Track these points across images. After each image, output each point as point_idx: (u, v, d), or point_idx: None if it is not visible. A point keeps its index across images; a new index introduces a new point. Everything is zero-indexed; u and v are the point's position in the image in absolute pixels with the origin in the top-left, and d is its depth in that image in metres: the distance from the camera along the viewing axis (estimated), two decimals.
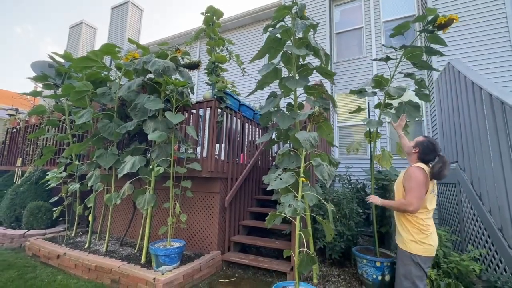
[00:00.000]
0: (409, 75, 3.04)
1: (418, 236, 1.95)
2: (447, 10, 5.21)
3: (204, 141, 3.84)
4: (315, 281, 3.05)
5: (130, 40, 4.11)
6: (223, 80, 3.90)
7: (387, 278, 2.92)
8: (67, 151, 3.85)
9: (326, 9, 6.83)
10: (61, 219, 4.75)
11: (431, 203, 2.03)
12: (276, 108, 3.04)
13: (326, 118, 2.73)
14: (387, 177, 3.89)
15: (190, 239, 3.74)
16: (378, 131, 3.33)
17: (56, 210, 4.04)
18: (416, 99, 3.19)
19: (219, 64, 3.91)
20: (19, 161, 6.08)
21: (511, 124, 2.50)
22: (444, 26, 2.59)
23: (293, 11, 2.79)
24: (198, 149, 3.95)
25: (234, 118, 4.19)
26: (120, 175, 3.06)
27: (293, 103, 3.05)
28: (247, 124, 4.68)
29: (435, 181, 2.09)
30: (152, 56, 3.33)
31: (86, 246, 3.69)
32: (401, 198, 2.05)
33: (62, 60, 4.48)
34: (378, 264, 2.92)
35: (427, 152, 2.09)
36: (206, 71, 3.94)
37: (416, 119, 3.04)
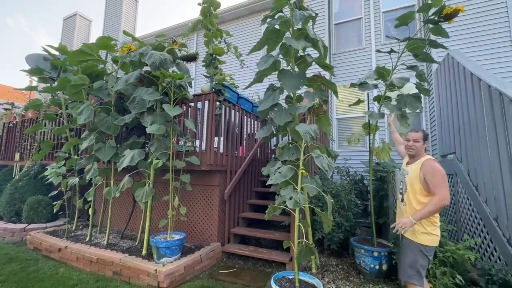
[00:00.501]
0: (412, 68, 3.03)
1: (430, 228, 1.99)
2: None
3: (203, 134, 3.83)
4: (313, 271, 3.10)
5: (125, 33, 4.04)
6: (221, 72, 3.87)
7: (384, 267, 2.99)
8: (66, 145, 3.84)
9: None
10: (61, 213, 4.76)
11: None
12: (275, 102, 3.03)
13: (325, 110, 2.73)
14: (385, 168, 3.92)
15: (191, 231, 3.78)
16: (377, 123, 3.34)
17: (56, 204, 4.05)
18: (415, 91, 3.18)
19: (217, 56, 3.87)
20: (17, 155, 6.05)
21: (509, 115, 2.51)
22: (450, 17, 2.56)
23: (291, 1, 2.75)
24: (197, 143, 3.95)
25: (233, 111, 4.17)
26: (119, 169, 3.07)
27: (291, 95, 3.03)
28: (245, 117, 4.67)
29: None
30: (149, 48, 3.28)
31: (87, 239, 3.72)
32: (432, 198, 1.94)
33: (57, 53, 4.40)
34: (375, 253, 2.98)
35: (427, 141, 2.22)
36: (204, 64, 3.89)
37: (418, 110, 3.04)
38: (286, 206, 2.36)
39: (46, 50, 4.28)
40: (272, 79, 3.43)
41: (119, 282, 2.84)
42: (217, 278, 2.96)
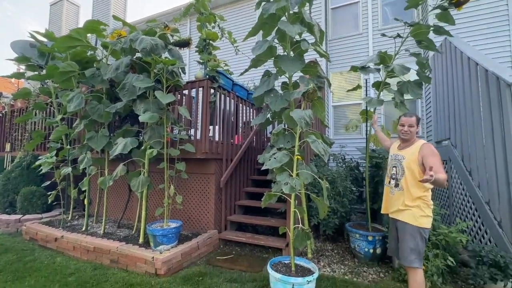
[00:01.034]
0: (416, 55, 2.98)
1: (427, 210, 2.02)
2: None
3: (198, 123, 3.78)
4: (309, 255, 3.16)
5: (115, 17, 3.89)
6: (215, 58, 3.77)
7: (378, 251, 3.05)
8: (55, 132, 3.74)
9: None
10: (55, 203, 4.73)
11: None
12: (270, 88, 2.97)
13: (320, 96, 2.69)
14: (380, 155, 3.94)
15: (187, 219, 3.80)
16: (375, 110, 3.32)
17: (50, 194, 4.01)
18: (414, 77, 3.15)
19: (210, 41, 3.75)
20: (7, 146, 5.93)
21: (505, 99, 2.50)
22: (461, 3, 2.51)
23: None
24: (192, 131, 3.89)
25: (228, 98, 4.11)
26: (112, 156, 3.03)
27: (288, 81, 2.98)
28: (241, 104, 4.61)
29: None
30: (139, 34, 3.16)
31: (83, 229, 3.72)
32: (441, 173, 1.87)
33: (44, 40, 4.23)
34: (370, 238, 3.03)
35: None
36: (197, 50, 3.78)
37: (420, 98, 3.04)
38: (282, 193, 2.36)
39: (33, 36, 4.11)
40: (268, 66, 3.37)
41: (117, 270, 2.86)
42: (215, 264, 3.00)
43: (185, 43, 3.67)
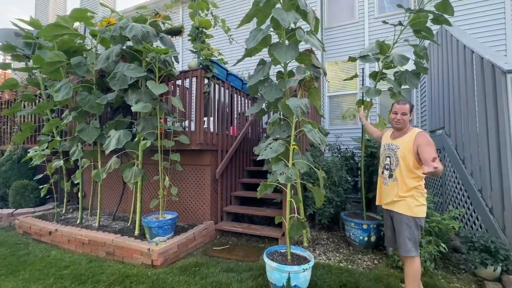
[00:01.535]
0: (414, 46, 2.94)
1: (421, 199, 1.99)
2: None
3: (192, 113, 3.72)
4: (305, 244, 3.19)
5: (102, 4, 3.74)
6: (208, 47, 3.67)
7: (372, 238, 3.10)
8: (47, 126, 3.65)
9: None
10: (49, 197, 4.67)
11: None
12: (265, 77, 2.92)
13: (316, 86, 2.66)
14: (376, 144, 3.95)
15: (183, 211, 3.79)
16: (371, 100, 3.30)
17: (43, 188, 3.94)
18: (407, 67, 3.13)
19: (203, 29, 3.64)
20: None
21: (499, 87, 2.50)
22: None
23: None
24: (187, 123, 3.83)
25: (222, 88, 4.03)
26: (107, 152, 2.95)
27: (283, 71, 2.92)
28: (235, 94, 4.54)
29: None
30: (129, 21, 3.05)
31: (78, 222, 3.68)
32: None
33: (30, 28, 4.06)
34: (365, 226, 3.07)
35: None
36: (190, 38, 3.67)
37: (415, 87, 3.02)
38: (278, 183, 2.35)
39: (16, 25, 3.93)
40: (263, 55, 3.30)
41: (113, 262, 2.85)
42: (211, 255, 3.01)
43: (177, 31, 3.57)
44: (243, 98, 4.81)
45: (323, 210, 3.48)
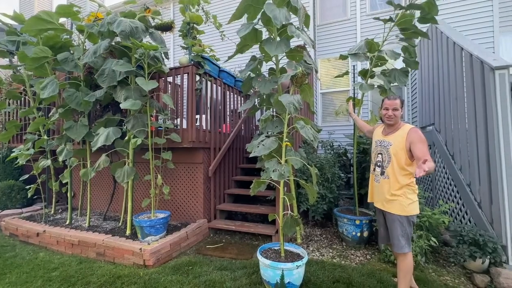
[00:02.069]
0: (407, 40, 2.96)
1: (413, 196, 1.96)
2: None
3: (183, 111, 3.66)
4: (299, 241, 3.20)
5: None
6: (200, 43, 3.61)
7: (365, 234, 3.13)
8: (32, 124, 3.54)
9: None
10: (36, 197, 4.55)
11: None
12: (258, 73, 2.89)
13: (308, 82, 2.65)
14: (368, 141, 3.98)
15: (176, 209, 3.74)
16: (359, 97, 3.32)
17: (30, 188, 3.83)
18: (396, 66, 3.16)
19: (194, 25, 3.58)
20: None
21: (488, 83, 2.54)
22: None
23: None
24: (179, 121, 3.77)
25: (214, 85, 3.98)
26: (94, 149, 2.88)
27: (275, 67, 2.90)
28: (228, 92, 4.49)
29: None
30: (117, 16, 2.96)
31: (67, 223, 3.59)
32: (429, 160, 1.74)
33: (13, 23, 3.91)
34: (357, 222, 3.09)
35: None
36: (181, 34, 3.60)
37: (404, 85, 3.05)
38: (271, 180, 2.34)
39: None
40: (254, 52, 3.27)
41: (104, 262, 2.79)
42: (204, 253, 2.98)
43: (167, 27, 3.49)
44: (236, 95, 4.77)
45: (316, 206, 3.49)
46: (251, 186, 2.40)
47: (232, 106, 4.72)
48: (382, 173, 2.08)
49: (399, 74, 2.98)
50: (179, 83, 3.76)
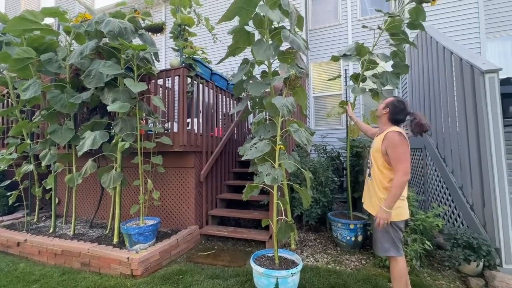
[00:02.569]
0: (396, 45, 2.98)
1: (397, 202, 1.86)
2: None
3: (175, 114, 3.57)
4: (293, 246, 3.13)
5: (78, 0, 3.53)
6: (191, 45, 3.55)
7: (359, 238, 3.09)
8: (14, 128, 3.38)
9: None
10: (18, 204, 4.33)
11: None
12: (250, 75, 2.85)
13: (301, 85, 2.62)
14: (361, 144, 3.98)
15: (166, 216, 3.62)
16: (352, 101, 3.32)
17: (11, 195, 3.64)
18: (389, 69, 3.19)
19: (186, 27, 3.52)
20: None
21: (478, 86, 2.57)
22: None
23: None
24: (170, 124, 3.68)
25: (206, 88, 3.92)
26: (80, 153, 2.75)
27: (267, 70, 2.87)
28: (220, 95, 4.43)
29: None
30: (106, 16, 2.87)
31: (50, 231, 3.42)
32: (395, 178, 1.82)
33: None
34: (352, 226, 3.05)
35: (398, 111, 1.96)
36: (172, 36, 3.53)
37: (396, 88, 3.06)
38: (264, 184, 2.27)
39: None
40: (247, 55, 3.23)
41: (88, 273, 2.65)
42: (196, 261, 2.88)
43: (158, 29, 3.42)
44: (228, 99, 4.71)
45: (310, 211, 3.44)
46: (243, 191, 2.33)
47: (224, 109, 4.66)
48: (369, 174, 2.09)
49: (390, 76, 3.00)
50: (170, 86, 3.68)
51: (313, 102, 6.61)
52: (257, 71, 3.73)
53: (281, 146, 2.24)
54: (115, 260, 2.60)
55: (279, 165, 2.28)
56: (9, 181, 3.72)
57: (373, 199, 2.01)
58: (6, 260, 3.01)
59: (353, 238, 3.07)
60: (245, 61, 2.87)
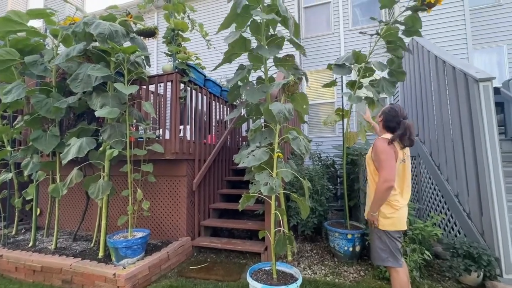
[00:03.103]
0: (394, 52, 2.99)
1: (388, 211, 1.86)
2: None
3: (167, 121, 3.46)
4: (289, 258, 3.02)
5: (65, 0, 3.41)
6: (185, 50, 3.47)
7: (357, 248, 3.01)
8: None
9: None
10: None
11: (398, 174, 1.90)
12: (246, 81, 2.79)
13: (301, 91, 2.57)
14: (356, 152, 3.95)
15: (156, 227, 3.45)
16: (351, 107, 3.30)
17: None
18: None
19: (179, 32, 3.44)
20: None
21: (472, 94, 2.59)
22: (432, 5, 2.54)
23: None
24: (161, 131, 3.56)
25: (200, 94, 3.83)
26: (64, 162, 2.58)
27: (263, 76, 2.81)
28: (214, 101, 4.35)
29: (404, 150, 1.96)
30: (96, 18, 2.77)
31: (30, 245, 3.18)
32: (375, 184, 1.90)
33: None
34: (349, 236, 2.98)
35: (390, 119, 1.97)
36: (165, 40, 3.45)
37: (391, 95, 3.06)
38: (261, 193, 2.18)
39: None
40: (242, 61, 3.18)
41: None
42: (187, 276, 2.72)
43: (150, 33, 3.34)
44: (222, 106, 4.63)
45: (307, 220, 3.35)
46: (240, 201, 2.22)
47: (218, 116, 4.57)
48: (366, 180, 2.16)
49: (387, 84, 3.00)
50: (162, 93, 3.57)
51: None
52: (251, 77, 3.69)
53: (279, 154, 2.16)
54: (100, 277, 2.41)
55: (277, 173, 2.20)
56: None
57: (368, 204, 2.05)
58: None
59: (350, 248, 2.99)
60: (241, 67, 2.82)
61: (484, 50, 5.56)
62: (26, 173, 3.03)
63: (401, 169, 1.93)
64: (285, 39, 2.64)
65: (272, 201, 2.20)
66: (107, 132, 2.67)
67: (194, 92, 3.65)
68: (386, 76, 3.15)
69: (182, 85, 3.41)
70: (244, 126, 5.24)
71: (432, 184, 3.64)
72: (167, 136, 3.38)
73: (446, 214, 3.22)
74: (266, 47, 2.65)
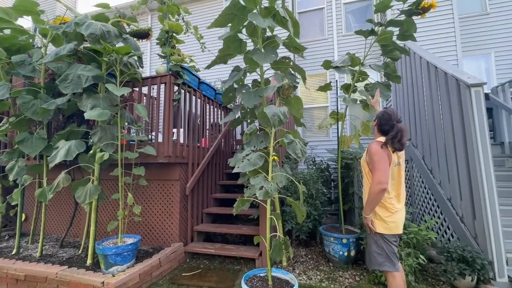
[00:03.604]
0: (389, 52, 3.02)
1: (384, 214, 1.86)
2: None
3: (160, 123, 3.39)
4: (284, 264, 2.97)
5: (58, 0, 3.33)
6: (179, 52, 3.42)
7: (352, 253, 2.99)
8: None
9: None
10: None
11: (393, 177, 1.91)
12: (241, 84, 2.76)
13: (295, 94, 2.56)
14: (350, 155, 3.96)
15: (148, 232, 3.35)
16: (346, 110, 3.32)
17: None
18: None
19: (174, 34, 3.40)
20: None
21: (464, 99, 2.63)
22: (426, 10, 2.58)
23: None
24: (154, 134, 3.48)
25: (194, 97, 3.78)
26: (51, 165, 2.49)
27: (259, 79, 2.79)
28: (208, 104, 4.30)
29: (399, 153, 1.97)
30: (88, 18, 2.70)
31: (13, 252, 3.04)
32: (369, 186, 1.91)
33: None
34: (344, 241, 2.96)
35: (383, 122, 1.98)
36: (158, 42, 3.40)
37: (386, 98, 3.09)
38: (256, 198, 2.14)
39: None
40: (237, 62, 3.15)
41: None
42: (180, 283, 2.64)
43: (144, 34, 3.28)
44: (216, 109, 4.58)
45: (301, 225, 3.32)
46: (234, 205, 2.18)
47: (212, 119, 4.52)
48: (362, 183, 2.17)
49: (381, 87, 3.02)
50: (155, 96, 3.51)
51: None
52: (247, 79, 3.67)
53: (275, 157, 2.13)
54: (88, 286, 2.31)
55: (272, 177, 2.16)
56: None
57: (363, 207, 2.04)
58: None
59: (345, 253, 2.97)
60: (237, 69, 2.79)
61: (472, 57, 5.72)
62: (11, 177, 2.90)
63: (396, 172, 1.93)
64: (283, 43, 2.64)
65: (267, 206, 2.16)
66: (98, 135, 2.59)
67: (188, 94, 3.60)
68: (380, 80, 3.19)
69: (176, 88, 3.36)
70: (238, 129, 5.20)
71: (425, 188, 3.68)
72: (160, 139, 3.31)
73: (439, 218, 3.24)
74: (262, 50, 2.63)
